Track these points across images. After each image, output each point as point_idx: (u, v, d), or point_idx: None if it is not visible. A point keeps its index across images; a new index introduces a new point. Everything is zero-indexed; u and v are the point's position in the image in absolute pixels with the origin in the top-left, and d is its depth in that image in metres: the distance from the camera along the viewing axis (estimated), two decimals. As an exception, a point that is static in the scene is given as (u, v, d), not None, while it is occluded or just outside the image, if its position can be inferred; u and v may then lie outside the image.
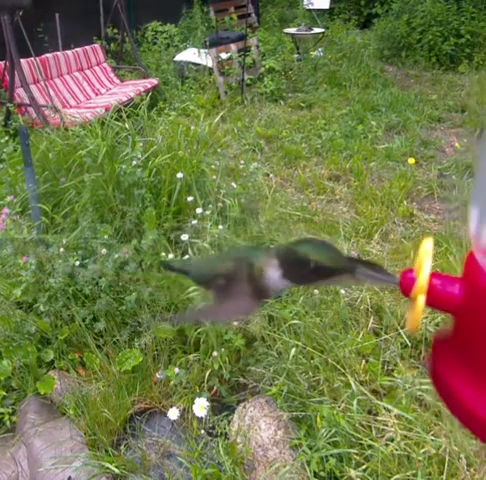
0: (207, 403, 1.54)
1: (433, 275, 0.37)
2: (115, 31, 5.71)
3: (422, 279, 0.36)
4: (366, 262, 0.44)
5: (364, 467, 1.35)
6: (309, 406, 1.52)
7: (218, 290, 0.56)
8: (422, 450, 1.34)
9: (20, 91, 3.92)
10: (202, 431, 1.59)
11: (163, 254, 2.01)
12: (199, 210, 2.14)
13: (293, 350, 1.65)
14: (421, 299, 0.36)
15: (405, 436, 1.39)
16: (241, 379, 1.74)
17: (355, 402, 1.46)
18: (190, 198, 2.30)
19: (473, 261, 0.35)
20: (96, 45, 5.32)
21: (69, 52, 4.86)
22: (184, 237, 2.03)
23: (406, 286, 0.38)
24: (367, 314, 1.92)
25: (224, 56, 5.50)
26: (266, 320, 1.84)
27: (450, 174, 3.52)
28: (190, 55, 5.84)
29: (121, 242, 2.13)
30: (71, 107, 4.45)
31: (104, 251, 1.92)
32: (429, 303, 0.37)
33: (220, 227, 2.06)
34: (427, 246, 0.38)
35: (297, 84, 5.81)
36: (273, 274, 0.48)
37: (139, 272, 1.99)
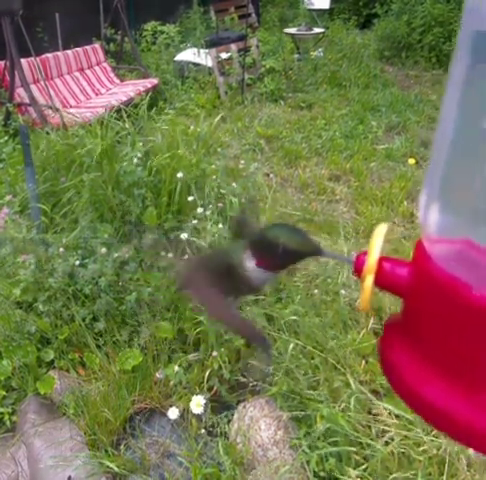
0: (203, 400, 1.53)
1: (384, 258, 0.38)
2: (115, 31, 5.71)
3: (371, 260, 0.37)
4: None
5: (364, 467, 1.35)
6: (309, 406, 1.52)
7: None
8: (422, 450, 1.34)
9: (20, 91, 3.92)
10: (202, 431, 1.58)
11: (163, 253, 2.00)
12: (199, 210, 2.14)
13: (291, 346, 1.64)
14: (369, 279, 0.37)
15: (405, 436, 1.39)
16: (241, 379, 1.74)
17: (353, 401, 1.46)
18: (190, 198, 2.30)
19: (421, 246, 0.36)
20: (96, 45, 5.32)
21: (69, 52, 4.85)
22: (183, 236, 2.03)
23: (358, 267, 0.39)
24: (367, 314, 1.92)
25: (224, 56, 5.50)
26: (266, 320, 1.84)
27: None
28: (190, 55, 5.84)
29: (121, 242, 2.13)
30: (71, 107, 4.45)
31: (104, 250, 1.92)
32: (378, 284, 0.38)
33: (220, 226, 2.06)
34: (380, 229, 0.39)
35: (297, 84, 5.80)
36: (250, 265, 0.49)
37: (139, 272, 1.99)
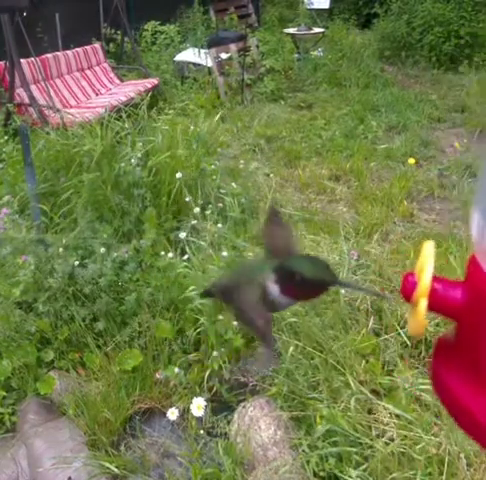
0: (204, 403, 1.53)
1: (435, 279, 0.36)
2: (114, 31, 5.71)
3: (424, 283, 0.35)
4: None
5: (364, 467, 1.35)
6: (309, 406, 1.52)
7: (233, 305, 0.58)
8: (422, 450, 1.34)
9: (20, 91, 3.92)
10: (202, 431, 1.58)
11: (162, 253, 2.00)
12: (199, 210, 2.14)
13: (291, 348, 1.64)
14: (423, 303, 0.36)
15: (405, 436, 1.39)
16: (241, 379, 1.74)
17: (353, 401, 1.46)
18: (189, 198, 2.30)
19: (476, 264, 0.35)
20: (96, 45, 5.32)
21: (69, 52, 4.85)
22: (182, 235, 2.03)
23: (407, 290, 0.37)
24: (367, 314, 1.92)
25: (224, 56, 5.50)
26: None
27: (450, 174, 3.51)
28: (190, 55, 5.84)
29: (121, 242, 2.13)
30: (71, 107, 4.45)
31: (103, 250, 1.92)
32: (431, 307, 0.36)
33: (219, 226, 2.06)
34: (429, 249, 0.37)
35: (297, 84, 5.80)
36: (273, 290, 0.49)
37: (139, 272, 1.99)
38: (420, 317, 0.36)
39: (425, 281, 0.35)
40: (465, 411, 0.34)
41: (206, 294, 0.74)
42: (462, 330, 0.37)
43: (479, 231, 0.34)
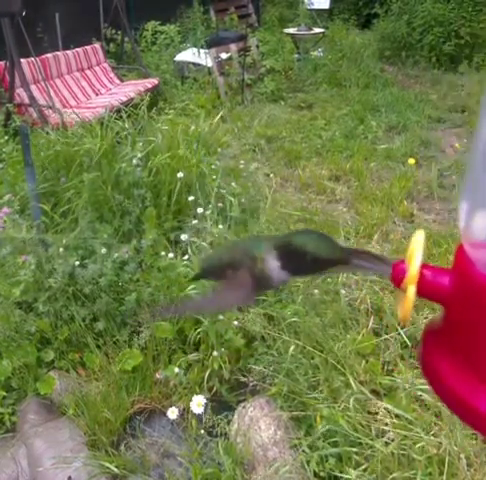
0: (204, 400, 1.53)
1: (424, 266, 0.38)
2: (115, 31, 5.71)
3: (413, 269, 0.37)
4: (360, 251, 0.45)
5: (364, 467, 1.35)
6: (309, 406, 1.52)
7: (226, 281, 0.56)
8: (422, 450, 1.34)
9: (20, 91, 3.92)
10: (202, 431, 1.58)
11: (163, 253, 2.00)
12: (199, 210, 2.14)
13: (291, 348, 1.64)
14: (412, 289, 0.37)
15: (405, 436, 1.39)
16: (241, 379, 1.74)
17: (353, 401, 1.46)
18: (190, 198, 2.30)
19: (462, 253, 0.36)
20: (96, 45, 5.31)
21: (69, 52, 4.85)
22: (184, 237, 2.03)
23: (397, 277, 0.39)
24: (367, 314, 1.92)
25: (224, 56, 5.50)
26: (266, 320, 1.84)
27: (450, 174, 3.51)
28: (190, 55, 5.84)
29: (121, 242, 2.13)
30: (71, 107, 4.45)
31: (104, 250, 1.92)
32: (420, 293, 0.37)
33: (220, 227, 2.06)
34: (418, 237, 0.39)
35: (297, 84, 5.80)
36: (273, 265, 0.48)
37: (139, 272, 1.99)
38: (409, 303, 0.37)
39: (414, 268, 0.37)
40: (455, 396, 0.35)
41: (199, 277, 0.79)
42: (450, 315, 0.38)
43: (466, 220, 0.35)
